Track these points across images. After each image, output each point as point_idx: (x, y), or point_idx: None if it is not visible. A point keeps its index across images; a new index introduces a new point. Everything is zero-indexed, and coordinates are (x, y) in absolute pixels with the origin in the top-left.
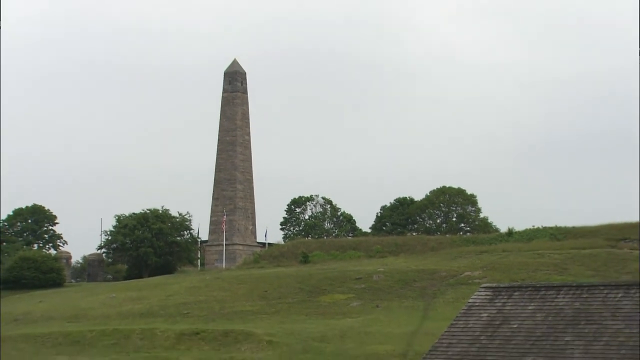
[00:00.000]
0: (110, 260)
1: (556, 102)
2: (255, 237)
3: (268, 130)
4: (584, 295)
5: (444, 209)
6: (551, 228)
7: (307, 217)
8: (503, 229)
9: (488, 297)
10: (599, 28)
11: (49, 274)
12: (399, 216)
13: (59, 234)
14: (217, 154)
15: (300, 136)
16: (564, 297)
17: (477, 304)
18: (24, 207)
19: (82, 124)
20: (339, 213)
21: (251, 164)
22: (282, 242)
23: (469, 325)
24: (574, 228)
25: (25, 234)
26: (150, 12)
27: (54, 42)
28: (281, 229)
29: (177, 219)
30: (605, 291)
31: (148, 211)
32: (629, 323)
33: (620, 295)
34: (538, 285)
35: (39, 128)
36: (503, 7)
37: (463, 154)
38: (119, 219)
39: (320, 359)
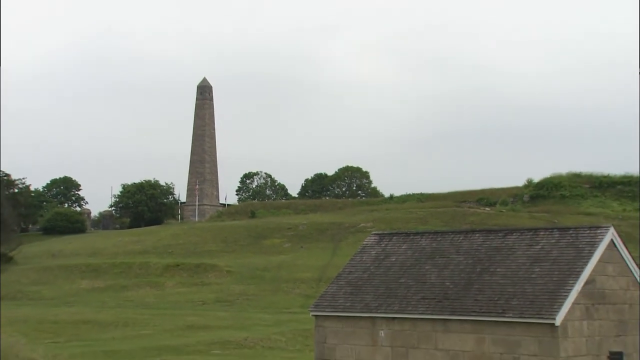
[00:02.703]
0: (118, 215)
1: (425, 110)
2: (218, 200)
3: (227, 126)
4: (438, 239)
5: (347, 181)
6: (418, 194)
7: (254, 186)
8: (386, 194)
9: (376, 241)
10: (455, 63)
11: (75, 224)
12: (317, 186)
13: (82, 196)
14: (192, 143)
15: (250, 130)
16: (425, 240)
17: (368, 245)
18: (57, 177)
19: (97, 122)
20: (276, 183)
21: (215, 149)
22: (237, 203)
23: (363, 260)
24: (432, 194)
25: (58, 197)
26: (142, 42)
27: (78, 68)
28: (236, 194)
29: (164, 187)
30: (452, 236)
31: (144, 181)
32: (467, 257)
33: (461, 238)
34: (408, 232)
35: (71, 124)
36: (392, 46)
37: (361, 143)
38: (124, 186)
39: (262, 282)
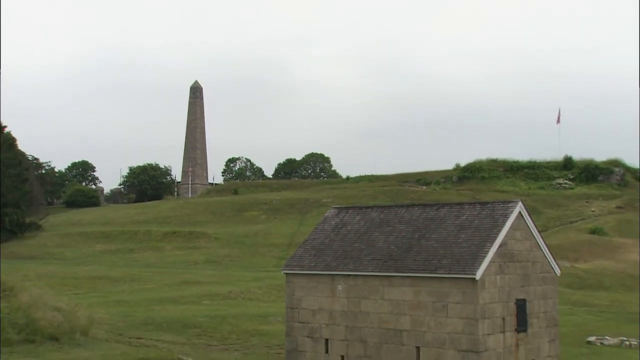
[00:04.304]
0: (125, 191)
1: (376, 107)
2: (207, 180)
3: (215, 120)
4: (385, 211)
5: (312, 164)
6: (369, 175)
7: (236, 168)
8: (344, 176)
9: (335, 213)
10: (399, 70)
11: (91, 199)
12: (288, 168)
13: (97, 176)
14: (186, 134)
15: (233, 123)
16: (375, 213)
17: (329, 217)
18: (77, 161)
19: (109, 116)
20: (254, 167)
21: (205, 139)
22: (222, 183)
23: (325, 228)
24: (381, 175)
25: (78, 177)
26: (146, 51)
27: (94, 72)
28: (222, 175)
29: (163, 169)
30: (397, 209)
31: (147, 165)
32: (407, 226)
33: (403, 211)
34: (361, 206)
35: (88, 118)
36: (351, 56)
37: (324, 134)
38: (131, 169)
39: (243, 247)
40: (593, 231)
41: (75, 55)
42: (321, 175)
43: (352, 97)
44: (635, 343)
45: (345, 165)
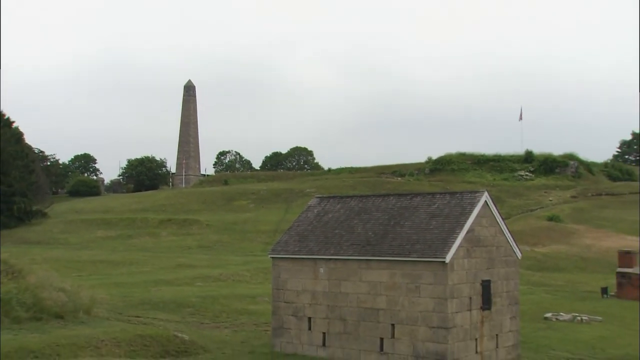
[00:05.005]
0: (124, 182)
1: (356, 105)
2: (200, 171)
3: (207, 116)
4: (364, 201)
5: (297, 157)
6: (349, 167)
7: (227, 161)
8: (326, 168)
9: (318, 202)
10: (378, 71)
11: (93, 188)
12: (274, 161)
13: (98, 168)
14: (180, 129)
15: (224, 118)
16: (354, 202)
17: (312, 205)
18: (79, 153)
19: (110, 113)
20: (243, 159)
21: (198, 133)
22: (214, 174)
23: (308, 216)
24: (360, 167)
25: (80, 168)
26: (144, 53)
27: (97, 72)
28: (213, 167)
29: (159, 162)
30: (374, 198)
31: (144, 157)
32: (384, 213)
33: (380, 200)
34: (341, 196)
35: (90, 114)
36: (333, 58)
37: (308, 129)
38: (129, 161)
39: (233, 233)
40: (550, 218)
41: (77, 56)
42: (305, 168)
43: (334, 95)
44: (586, 318)
45: (327, 158)
